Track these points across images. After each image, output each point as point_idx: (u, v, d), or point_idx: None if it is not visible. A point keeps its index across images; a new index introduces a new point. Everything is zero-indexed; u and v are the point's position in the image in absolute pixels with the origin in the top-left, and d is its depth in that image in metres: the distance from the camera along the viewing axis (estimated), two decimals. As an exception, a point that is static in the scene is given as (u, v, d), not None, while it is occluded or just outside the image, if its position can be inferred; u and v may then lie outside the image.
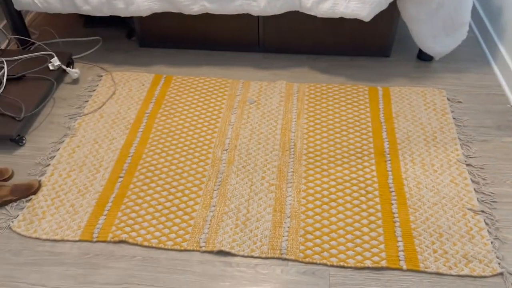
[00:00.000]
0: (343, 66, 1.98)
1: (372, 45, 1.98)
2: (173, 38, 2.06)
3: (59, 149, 1.60)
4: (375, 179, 1.46)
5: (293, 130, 1.67)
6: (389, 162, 1.52)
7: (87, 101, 1.82)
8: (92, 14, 1.87)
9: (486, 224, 1.32)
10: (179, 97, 1.83)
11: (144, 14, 1.85)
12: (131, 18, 2.16)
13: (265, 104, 1.78)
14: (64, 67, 1.86)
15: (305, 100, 1.79)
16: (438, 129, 1.64)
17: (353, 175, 1.48)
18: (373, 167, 1.50)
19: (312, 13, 1.78)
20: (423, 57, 1.99)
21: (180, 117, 1.73)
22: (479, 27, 2.12)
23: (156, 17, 1.99)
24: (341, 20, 1.91)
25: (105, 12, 1.85)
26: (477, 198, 1.39)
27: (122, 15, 1.87)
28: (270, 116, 1.73)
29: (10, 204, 1.41)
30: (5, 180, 1.48)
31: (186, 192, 1.45)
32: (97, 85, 1.90)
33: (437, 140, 1.59)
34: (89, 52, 2.08)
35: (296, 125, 1.68)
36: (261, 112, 1.75)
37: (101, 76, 1.95)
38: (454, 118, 1.68)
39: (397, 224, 1.33)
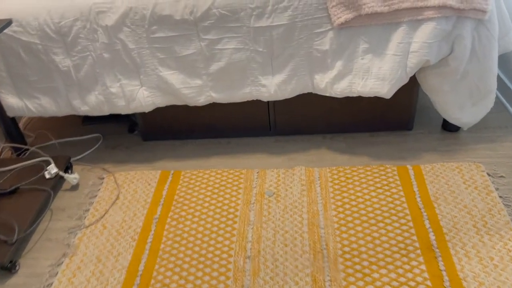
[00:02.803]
0: (363, 144, 1.82)
1: (392, 119, 1.84)
2: (178, 129, 1.93)
3: (57, 273, 1.39)
4: (428, 282, 1.25)
5: (322, 225, 1.47)
6: (439, 258, 1.30)
7: (88, 209, 1.64)
8: (91, 114, 1.75)
9: None
10: (190, 195, 1.65)
11: (147, 110, 1.72)
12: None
13: (285, 195, 1.60)
14: (62, 173, 1.70)
15: (330, 187, 1.61)
16: (486, 211, 1.44)
17: (402, 279, 1.26)
18: (423, 267, 1.29)
19: (327, 94, 1.65)
20: (449, 127, 1.84)
21: (193, 220, 1.55)
22: (502, 90, 1.99)
23: (160, 109, 1.86)
24: (356, 98, 1.78)
25: (105, 111, 1.73)
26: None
27: (123, 113, 1.74)
28: (293, 210, 1.54)
29: None
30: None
31: (208, 316, 1.22)
32: (99, 189, 1.73)
33: (489, 226, 1.39)
34: (88, 152, 1.94)
35: (324, 219, 1.49)
36: (282, 206, 1.56)
37: (103, 178, 1.78)
38: (501, 197, 1.49)
39: None
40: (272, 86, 1.64)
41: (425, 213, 1.47)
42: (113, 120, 2.10)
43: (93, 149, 1.95)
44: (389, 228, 1.44)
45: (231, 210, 1.57)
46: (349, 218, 1.49)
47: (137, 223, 1.56)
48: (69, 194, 1.72)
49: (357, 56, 1.56)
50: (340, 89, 1.61)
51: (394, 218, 1.47)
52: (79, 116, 2.16)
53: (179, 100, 1.70)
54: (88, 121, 2.12)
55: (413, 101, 1.79)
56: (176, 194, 1.66)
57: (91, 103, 1.71)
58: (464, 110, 1.70)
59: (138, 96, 1.68)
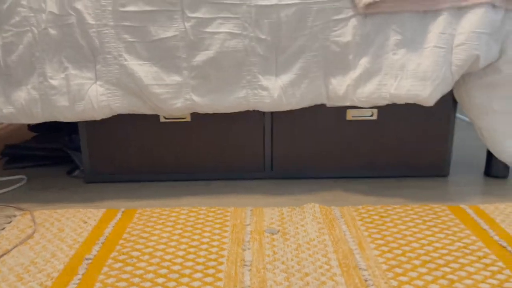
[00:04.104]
0: (390, 188, 1.35)
1: (423, 162, 1.42)
2: (136, 168, 1.40)
3: None
4: None
5: (363, 266, 0.91)
6: None
7: (-23, 250, 1.01)
8: (15, 120, 1.23)
9: None
10: (148, 233, 1.06)
11: (99, 116, 1.23)
12: (73, 147, 1.52)
13: (295, 233, 1.05)
14: None
15: (360, 226, 1.09)
16: None
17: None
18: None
19: (348, 103, 1.24)
20: (494, 172, 1.42)
21: (151, 261, 0.94)
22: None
23: (111, 139, 1.37)
24: (377, 130, 1.38)
25: (36, 115, 1.22)
26: None
27: (64, 119, 1.23)
28: (312, 249, 0.98)
29: None
30: None
31: None
32: (3, 228, 1.11)
33: None
34: (1, 192, 1.34)
35: (364, 260, 0.94)
36: (293, 245, 1.00)
37: (14, 216, 1.18)
38: None
39: None
40: (276, 90, 1.22)
41: (517, 251, 0.96)
42: (45, 161, 1.56)
43: (8, 189, 1.36)
44: (471, 269, 0.90)
45: (213, 249, 0.99)
46: (403, 258, 0.94)
47: (54, 265, 0.93)
48: (-48, 230, 1.08)
49: (388, 51, 1.21)
50: (367, 93, 1.21)
51: (472, 258, 0.94)
52: (1, 159, 1.61)
53: (147, 103, 1.23)
54: (13, 163, 1.56)
55: (449, 138, 1.40)
56: (126, 233, 1.07)
57: (19, 102, 1.20)
58: (518, 141, 1.32)
59: (89, 94, 1.20)
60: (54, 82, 1.19)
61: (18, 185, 1.39)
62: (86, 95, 1.20)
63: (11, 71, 1.20)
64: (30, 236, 1.06)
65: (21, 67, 1.19)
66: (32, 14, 1.17)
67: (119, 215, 1.16)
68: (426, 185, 1.37)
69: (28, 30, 1.18)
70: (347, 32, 1.21)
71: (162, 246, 1.00)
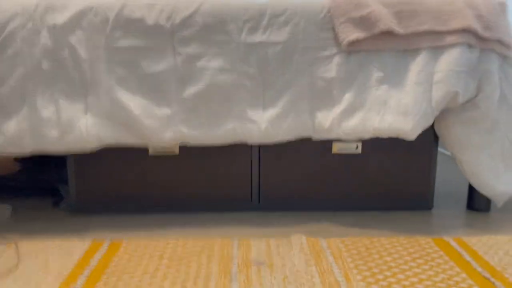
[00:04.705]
0: (376, 220, 1.37)
1: (407, 195, 1.44)
2: (123, 200, 1.40)
3: None
4: None
5: (349, 297, 0.92)
6: None
7: (-41, 282, 0.99)
8: (5, 150, 1.23)
9: None
10: (134, 264, 1.06)
11: (88, 147, 1.24)
12: (60, 179, 1.51)
13: (282, 264, 1.05)
14: None
15: (347, 257, 1.10)
16: None
17: None
18: None
19: (333, 136, 1.27)
20: (477, 205, 1.45)
21: (136, 293, 0.93)
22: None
23: (99, 172, 1.37)
24: (362, 163, 1.41)
25: (26, 146, 1.22)
26: None
27: (53, 151, 1.24)
28: (298, 280, 0.98)
29: None
30: None
31: None
32: (-13, 259, 1.10)
33: None
34: (-14, 221, 1.33)
35: (350, 290, 0.94)
36: (280, 276, 1.00)
37: (-2, 247, 1.16)
38: None
39: None
40: (263, 122, 1.25)
41: (497, 282, 0.97)
42: (30, 191, 1.56)
43: (-6, 220, 1.35)
44: (455, 300, 0.91)
45: (200, 281, 0.98)
46: (388, 290, 0.95)
47: (38, 297, 0.92)
48: None
49: (370, 87, 1.26)
50: (351, 127, 1.25)
51: (456, 289, 0.96)
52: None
53: (136, 134, 1.24)
54: (-2, 194, 1.55)
55: (431, 172, 1.44)
56: (111, 265, 1.06)
57: (9, 133, 1.21)
58: (499, 175, 1.36)
59: (80, 126, 1.22)
60: (44, 114, 1.21)
61: (3, 215, 1.38)
62: (76, 126, 1.22)
63: (2, 102, 1.21)
64: (13, 270, 1.05)
65: (12, 98, 1.21)
66: (26, 47, 1.20)
67: (105, 247, 1.15)
68: (411, 218, 1.39)
69: (21, 63, 1.20)
70: (331, 69, 1.26)
71: (148, 279, 1.00)
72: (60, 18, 1.20)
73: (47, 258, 1.10)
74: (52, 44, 1.20)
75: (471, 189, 1.45)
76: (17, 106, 1.21)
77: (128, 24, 1.21)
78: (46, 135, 1.21)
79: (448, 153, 1.94)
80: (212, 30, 1.23)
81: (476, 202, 1.45)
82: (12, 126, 1.21)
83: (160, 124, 1.23)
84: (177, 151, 1.37)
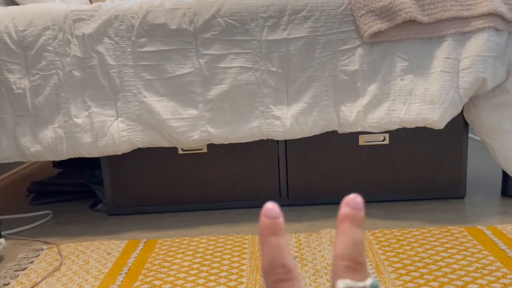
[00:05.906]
0: (406, 211, 1.36)
1: (439, 185, 1.43)
2: (156, 200, 1.45)
3: None
4: None
5: (380, 289, 0.92)
6: None
7: (8, 283, 1.05)
8: (42, 157, 1.30)
9: None
10: (169, 262, 1.10)
11: (120, 151, 1.29)
12: (96, 182, 1.58)
13: (313, 259, 1.07)
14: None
15: (377, 249, 1.10)
16: None
17: None
18: None
19: (359, 129, 1.27)
20: (511, 192, 1.42)
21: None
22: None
23: (132, 173, 1.42)
24: (390, 154, 1.40)
25: (62, 152, 1.28)
26: None
27: (88, 155, 1.29)
28: (330, 274, 1.00)
29: None
30: None
31: None
32: (32, 261, 1.16)
33: None
34: (28, 227, 1.40)
35: (382, 283, 0.95)
36: (311, 270, 1.02)
37: (41, 250, 1.22)
38: None
39: None
40: (288, 118, 1.26)
41: (536, 270, 0.95)
42: (69, 196, 1.62)
43: (34, 224, 1.42)
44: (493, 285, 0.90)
45: (233, 276, 1.01)
46: (420, 281, 0.95)
47: (80, 296, 0.97)
48: (-16, 265, 1.14)
49: (395, 77, 1.25)
50: (377, 119, 1.24)
51: (491, 278, 0.94)
52: (26, 194, 1.68)
53: (165, 137, 1.28)
54: (39, 199, 1.63)
55: (462, 160, 1.41)
56: (148, 262, 1.10)
57: (45, 141, 1.27)
58: (533, 160, 1.32)
59: (111, 130, 1.26)
60: (78, 121, 1.26)
61: (44, 220, 1.45)
62: (108, 131, 1.27)
63: (38, 111, 1.27)
64: (57, 269, 1.11)
65: (48, 107, 1.27)
66: (57, 58, 1.25)
67: (141, 246, 1.20)
68: (443, 207, 1.37)
69: (54, 73, 1.26)
70: (354, 61, 1.25)
71: (183, 275, 1.03)
72: (88, 28, 1.25)
73: (87, 258, 1.15)
74: (81, 53, 1.25)
75: (505, 175, 1.42)
76: (52, 114, 1.27)
77: (152, 30, 1.25)
78: (80, 141, 1.27)
79: (479, 139, 1.90)
80: (233, 30, 1.25)
81: (510, 189, 1.42)
82: (49, 134, 1.27)
83: (187, 125, 1.26)
84: (205, 149, 1.41)
